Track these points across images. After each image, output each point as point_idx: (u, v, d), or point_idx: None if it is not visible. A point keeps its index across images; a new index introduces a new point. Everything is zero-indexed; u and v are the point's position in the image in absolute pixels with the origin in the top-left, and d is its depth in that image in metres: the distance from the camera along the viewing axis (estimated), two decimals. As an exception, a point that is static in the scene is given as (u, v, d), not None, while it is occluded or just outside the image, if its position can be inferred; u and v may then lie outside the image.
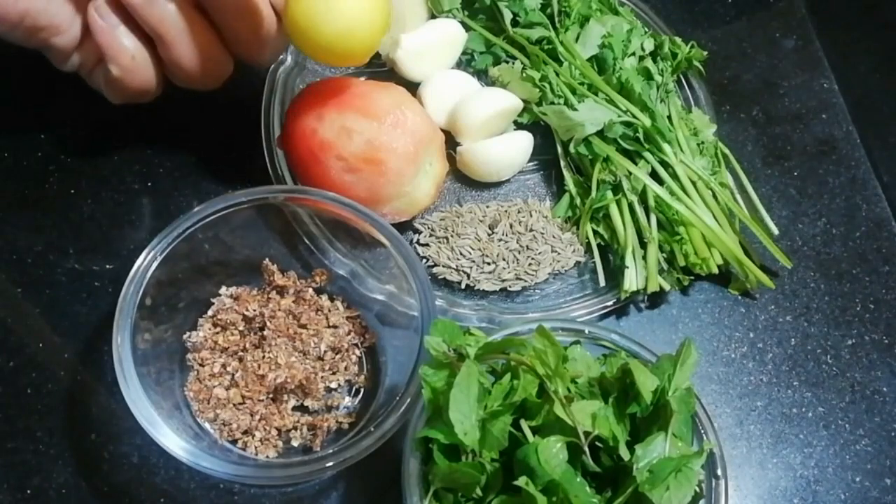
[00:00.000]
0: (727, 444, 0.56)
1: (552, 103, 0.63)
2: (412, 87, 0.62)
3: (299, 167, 0.57)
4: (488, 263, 0.59)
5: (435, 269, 0.60)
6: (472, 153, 0.62)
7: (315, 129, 0.55)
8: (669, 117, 0.64)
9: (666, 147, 0.61)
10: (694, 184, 0.61)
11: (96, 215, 0.60)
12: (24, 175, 0.61)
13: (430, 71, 0.64)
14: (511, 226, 0.61)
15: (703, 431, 0.46)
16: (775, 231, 0.63)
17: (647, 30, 0.68)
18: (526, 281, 0.59)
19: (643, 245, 0.59)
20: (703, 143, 0.64)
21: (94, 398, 0.54)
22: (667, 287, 0.59)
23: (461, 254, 0.59)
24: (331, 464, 0.46)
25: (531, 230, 0.61)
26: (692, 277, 0.60)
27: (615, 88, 0.62)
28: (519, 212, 0.62)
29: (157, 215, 0.60)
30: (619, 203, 0.60)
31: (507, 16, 0.65)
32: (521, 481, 0.40)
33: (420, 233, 0.61)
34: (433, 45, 0.64)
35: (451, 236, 0.60)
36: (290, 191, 0.55)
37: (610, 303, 0.59)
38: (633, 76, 0.62)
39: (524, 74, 0.64)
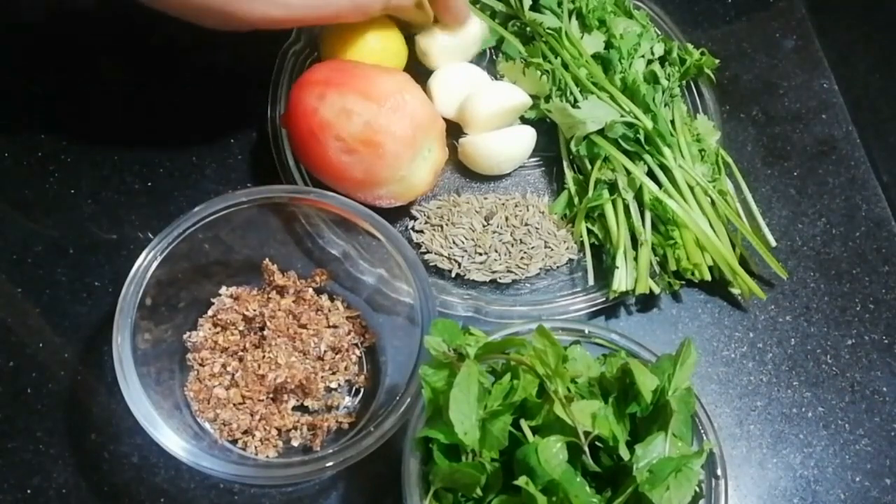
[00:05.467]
0: (727, 444, 0.56)
1: (549, 97, 0.63)
2: (421, 78, 0.62)
3: (300, 146, 0.57)
4: (480, 254, 0.60)
5: (427, 256, 0.60)
6: (474, 145, 0.62)
7: (316, 108, 0.55)
8: (673, 122, 0.64)
9: (666, 151, 0.61)
10: (692, 189, 0.61)
11: (96, 215, 0.60)
12: (24, 175, 0.61)
13: (449, 62, 0.65)
14: (507, 219, 0.61)
15: (703, 431, 0.46)
16: (773, 242, 0.63)
17: (658, 33, 0.69)
18: (516, 274, 0.60)
19: (636, 247, 0.59)
20: (704, 150, 0.64)
21: (94, 398, 0.54)
22: (656, 290, 0.59)
23: (454, 242, 0.60)
24: (331, 464, 0.46)
25: (526, 224, 0.61)
26: (683, 282, 0.60)
27: (619, 88, 0.63)
28: (516, 206, 0.62)
29: (157, 215, 0.60)
30: (614, 203, 0.60)
31: (527, 1, 0.66)
32: (521, 481, 0.40)
33: (416, 219, 0.62)
34: (459, 40, 0.64)
35: (446, 225, 0.60)
36: (291, 191, 0.55)
37: (599, 301, 0.59)
38: (637, 78, 0.62)
39: (529, 64, 0.64)
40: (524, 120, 0.65)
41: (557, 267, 0.61)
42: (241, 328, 0.55)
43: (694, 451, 0.42)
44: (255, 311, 0.54)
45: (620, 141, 0.61)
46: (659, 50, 0.67)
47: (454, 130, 0.63)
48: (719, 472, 0.45)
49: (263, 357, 0.53)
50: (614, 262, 0.58)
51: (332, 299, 0.57)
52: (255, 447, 0.52)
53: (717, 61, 0.68)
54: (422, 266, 0.52)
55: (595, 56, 0.65)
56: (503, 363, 0.44)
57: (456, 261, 0.60)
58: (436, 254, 0.60)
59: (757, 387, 0.59)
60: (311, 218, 0.56)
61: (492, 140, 0.62)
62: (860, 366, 0.60)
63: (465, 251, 0.60)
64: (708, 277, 0.59)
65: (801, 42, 0.75)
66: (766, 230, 0.63)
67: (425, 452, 0.44)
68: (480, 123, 0.62)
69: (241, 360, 0.54)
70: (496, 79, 0.67)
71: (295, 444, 0.52)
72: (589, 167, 0.62)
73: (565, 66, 0.64)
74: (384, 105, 0.54)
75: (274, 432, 0.52)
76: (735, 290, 0.61)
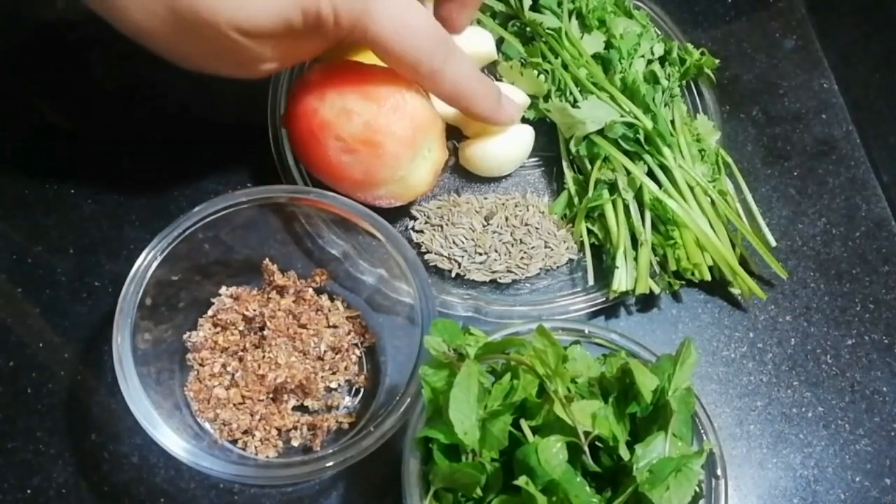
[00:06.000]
0: (727, 444, 0.56)
1: (548, 96, 0.63)
2: None
3: (299, 146, 0.57)
4: (480, 254, 0.60)
5: (427, 256, 0.60)
6: (474, 149, 0.62)
7: (316, 108, 0.55)
8: (673, 122, 0.64)
9: (666, 151, 0.61)
10: (692, 189, 0.61)
11: (96, 215, 0.60)
12: (24, 175, 0.61)
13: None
14: (507, 219, 0.61)
15: (703, 431, 0.46)
16: (773, 242, 0.63)
17: (658, 33, 0.69)
18: (516, 274, 0.60)
19: (636, 247, 0.59)
20: (704, 150, 0.64)
21: (94, 398, 0.54)
22: (656, 290, 0.58)
23: (454, 242, 0.60)
24: (331, 464, 0.46)
25: (526, 224, 0.61)
26: (683, 282, 0.60)
27: (619, 88, 0.63)
28: (516, 206, 0.62)
29: (157, 215, 0.60)
30: (614, 203, 0.60)
31: (527, 1, 0.66)
32: (521, 481, 0.40)
33: (416, 219, 0.62)
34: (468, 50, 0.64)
35: (446, 225, 0.60)
36: (291, 191, 0.55)
37: (599, 301, 0.59)
38: (637, 78, 0.62)
39: (528, 64, 0.64)
40: (523, 120, 0.65)
41: (557, 267, 0.61)
42: (241, 328, 0.55)
43: (694, 451, 0.42)
44: (255, 311, 0.54)
45: (620, 141, 0.61)
46: (659, 50, 0.67)
47: (454, 132, 0.63)
48: (719, 472, 0.45)
49: (263, 357, 0.53)
50: (614, 262, 0.58)
51: (332, 299, 0.57)
52: (255, 447, 0.52)
53: (717, 61, 0.68)
54: (422, 266, 0.52)
55: (595, 56, 0.65)
56: (503, 363, 0.45)
57: (456, 261, 0.60)
58: (436, 254, 0.60)
59: (757, 387, 0.59)
60: (311, 218, 0.56)
61: (492, 143, 0.62)
62: (860, 366, 0.60)
63: (465, 251, 0.60)
64: (708, 277, 0.59)
65: (801, 42, 0.75)
66: (766, 230, 0.63)
67: (425, 452, 0.44)
68: (481, 126, 0.62)
69: (241, 360, 0.54)
70: (496, 80, 0.66)
71: (295, 444, 0.52)
72: (589, 167, 0.62)
73: (565, 66, 0.64)
74: (384, 105, 0.54)
75: (274, 432, 0.52)
76: (735, 290, 0.61)
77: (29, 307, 0.57)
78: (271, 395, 0.53)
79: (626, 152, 0.61)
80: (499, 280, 0.60)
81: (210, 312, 0.55)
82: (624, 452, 0.42)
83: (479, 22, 0.67)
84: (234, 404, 0.53)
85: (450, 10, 0.61)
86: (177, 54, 0.50)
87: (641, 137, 0.61)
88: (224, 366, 0.54)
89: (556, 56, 0.65)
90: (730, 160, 0.65)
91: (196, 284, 0.54)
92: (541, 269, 0.60)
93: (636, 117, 0.61)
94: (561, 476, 0.40)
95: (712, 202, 0.61)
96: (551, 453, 0.40)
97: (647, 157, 0.61)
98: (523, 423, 0.42)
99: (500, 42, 0.67)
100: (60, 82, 0.65)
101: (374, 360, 0.56)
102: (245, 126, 0.64)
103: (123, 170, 0.62)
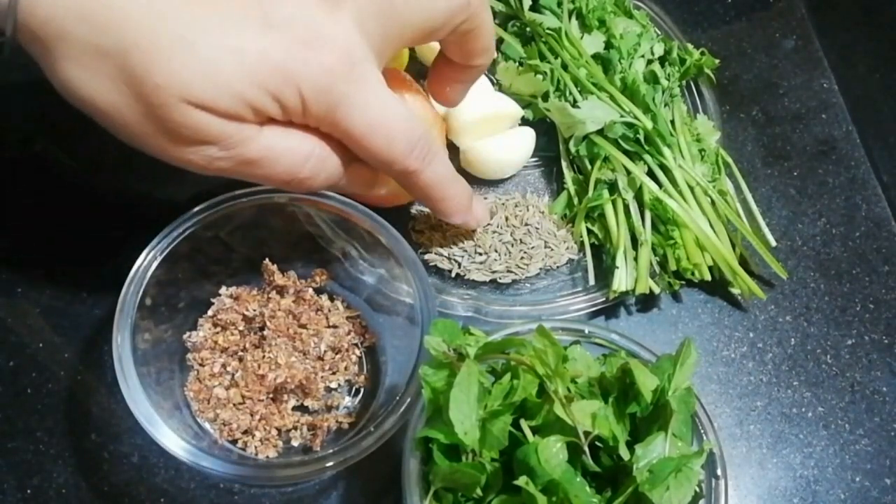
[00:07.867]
0: (727, 444, 0.56)
1: (547, 95, 0.63)
2: (421, 78, 0.62)
3: None
4: (480, 254, 0.60)
5: (427, 256, 0.60)
6: (476, 152, 0.62)
7: None
8: (672, 122, 0.64)
9: (666, 151, 0.61)
10: (692, 189, 0.61)
11: (96, 215, 0.60)
12: (23, 175, 0.61)
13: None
14: (507, 219, 0.61)
15: (703, 431, 0.46)
16: (773, 242, 0.63)
17: (658, 33, 0.69)
18: (516, 274, 0.60)
19: (636, 247, 0.59)
20: (704, 150, 0.64)
21: (94, 398, 0.54)
22: (657, 290, 0.58)
23: (454, 242, 0.60)
24: (331, 464, 0.46)
25: (526, 224, 0.61)
26: (683, 282, 0.60)
27: (619, 88, 0.63)
28: (516, 206, 0.62)
29: (158, 215, 0.60)
30: (614, 203, 0.60)
31: (527, 2, 0.66)
32: (521, 481, 0.40)
33: (415, 219, 0.62)
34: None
35: (446, 225, 0.60)
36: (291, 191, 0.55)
37: (599, 301, 0.59)
38: (637, 78, 0.63)
39: (522, 68, 0.64)
40: (523, 121, 0.65)
41: (557, 267, 0.61)
42: (241, 328, 0.55)
43: (694, 451, 0.42)
44: (255, 311, 0.54)
45: (620, 141, 0.61)
46: (659, 50, 0.67)
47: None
48: (719, 472, 0.45)
49: (263, 357, 0.53)
50: (614, 262, 0.58)
51: (332, 299, 0.57)
52: (255, 447, 0.52)
53: (717, 61, 0.68)
54: (422, 266, 0.52)
55: (595, 56, 0.65)
56: (503, 363, 0.44)
57: (456, 261, 0.60)
58: (436, 254, 0.60)
59: (757, 387, 0.59)
60: (311, 218, 0.56)
61: (494, 146, 0.62)
62: (860, 366, 0.60)
63: (465, 251, 0.60)
64: (708, 277, 0.59)
65: (801, 42, 0.75)
66: (766, 230, 0.63)
67: (425, 452, 0.44)
68: (462, 131, 0.62)
69: (241, 360, 0.54)
70: (495, 80, 0.66)
71: (295, 444, 0.52)
72: (589, 167, 0.62)
73: (565, 66, 0.64)
74: None
75: (274, 432, 0.52)
76: (735, 290, 0.61)
77: (29, 307, 0.57)
78: (271, 395, 0.53)
79: (626, 152, 0.61)
80: (499, 280, 0.60)
81: (210, 312, 0.55)
82: (624, 452, 0.42)
83: None
84: (234, 404, 0.53)
85: (443, 83, 0.56)
86: (118, 127, 0.46)
87: (641, 137, 0.61)
88: (224, 366, 0.54)
89: (556, 56, 0.65)
90: (730, 160, 0.65)
91: (196, 284, 0.54)
92: (541, 269, 0.60)
93: (636, 117, 0.61)
94: (561, 476, 0.40)
95: (712, 202, 0.61)
96: (551, 453, 0.40)
97: (647, 157, 0.61)
98: (523, 423, 0.42)
99: (499, 42, 0.67)
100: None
101: (374, 360, 0.56)
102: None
103: (123, 170, 0.62)
